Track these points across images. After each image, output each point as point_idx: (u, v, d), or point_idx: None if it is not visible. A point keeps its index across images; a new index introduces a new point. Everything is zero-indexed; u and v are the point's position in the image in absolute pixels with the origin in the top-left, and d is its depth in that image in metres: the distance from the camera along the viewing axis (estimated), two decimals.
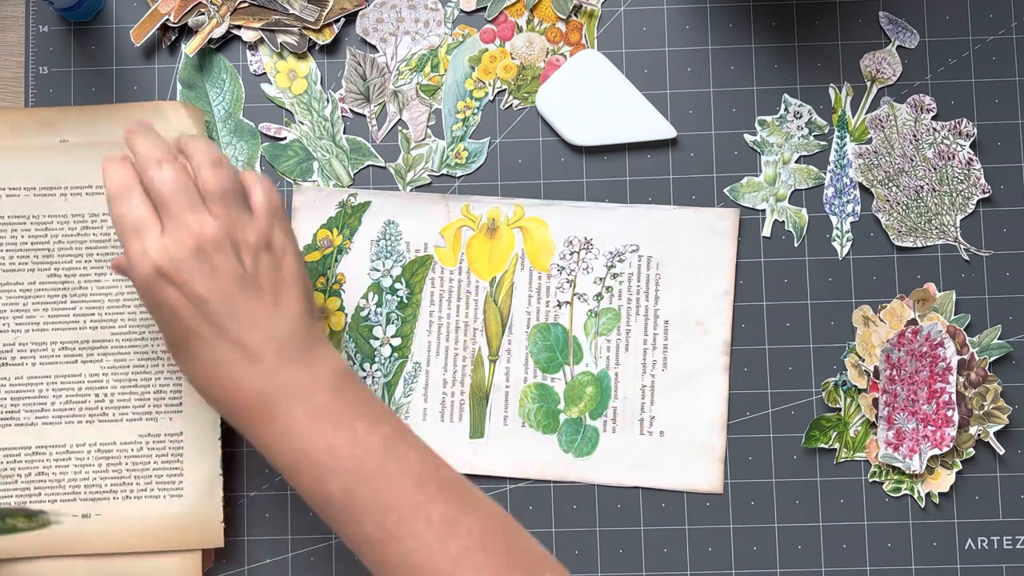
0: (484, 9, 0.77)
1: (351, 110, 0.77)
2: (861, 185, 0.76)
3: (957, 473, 0.74)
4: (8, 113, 0.74)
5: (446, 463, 0.64)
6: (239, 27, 0.77)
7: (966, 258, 0.76)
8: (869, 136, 0.76)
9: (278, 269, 0.64)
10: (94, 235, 0.73)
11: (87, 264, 0.73)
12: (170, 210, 0.62)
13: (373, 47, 0.77)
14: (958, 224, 0.76)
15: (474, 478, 0.75)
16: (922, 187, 0.75)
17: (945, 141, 0.75)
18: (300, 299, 0.64)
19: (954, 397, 0.73)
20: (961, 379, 0.74)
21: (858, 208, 0.76)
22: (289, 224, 0.67)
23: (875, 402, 0.74)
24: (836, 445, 0.75)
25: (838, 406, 0.75)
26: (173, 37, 0.77)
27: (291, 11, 0.76)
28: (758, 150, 0.76)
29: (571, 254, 0.76)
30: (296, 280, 0.65)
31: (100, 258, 0.73)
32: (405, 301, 0.76)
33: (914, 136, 0.76)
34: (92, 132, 0.74)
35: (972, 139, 0.75)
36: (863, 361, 0.74)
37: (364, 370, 0.75)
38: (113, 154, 0.65)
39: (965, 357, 0.74)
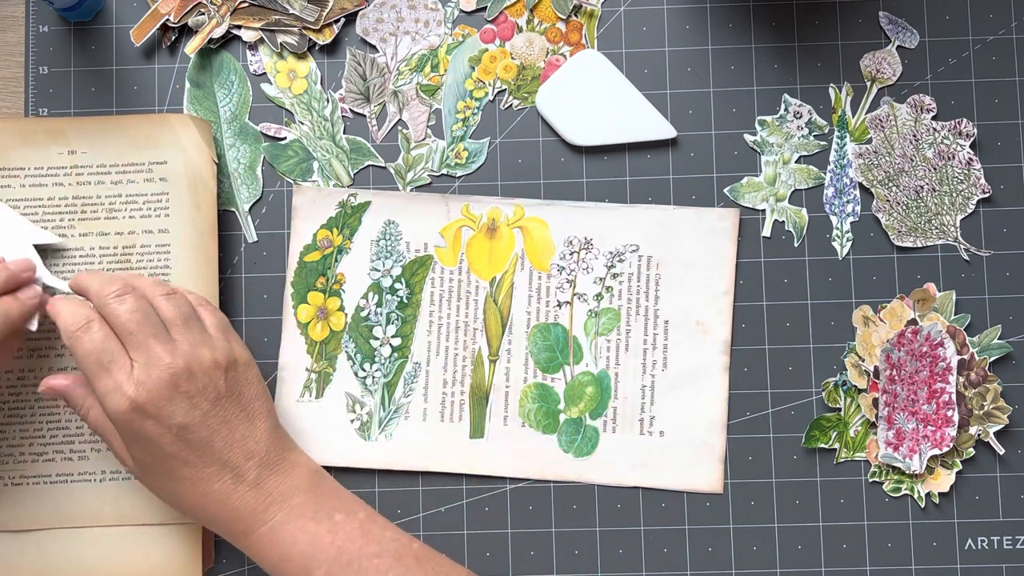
0: (484, 9, 0.77)
1: (351, 110, 0.77)
2: (861, 185, 0.76)
3: (957, 473, 0.74)
4: (18, 122, 0.74)
5: (415, 538, 0.69)
6: (239, 27, 0.77)
7: (966, 258, 0.76)
8: (869, 136, 0.76)
9: (246, 384, 0.68)
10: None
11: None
12: (137, 342, 0.65)
13: (373, 47, 0.77)
14: (958, 224, 0.76)
15: (474, 478, 0.75)
16: (922, 187, 0.75)
17: (945, 141, 0.75)
18: (269, 411, 0.69)
19: (954, 397, 0.73)
20: (961, 379, 0.74)
21: (858, 208, 0.76)
22: (238, 335, 0.70)
23: (875, 402, 0.74)
24: (836, 445, 0.75)
25: (838, 406, 0.75)
26: (173, 37, 0.77)
27: (291, 11, 0.76)
28: (758, 150, 0.76)
29: (571, 254, 0.76)
30: (261, 391, 0.69)
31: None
32: (405, 301, 0.76)
33: (914, 136, 0.76)
34: (100, 144, 0.74)
35: (972, 139, 0.75)
36: (863, 361, 0.74)
37: (364, 370, 0.75)
38: (59, 295, 0.68)
39: (965, 357, 0.74)
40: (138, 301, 0.66)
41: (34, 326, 0.69)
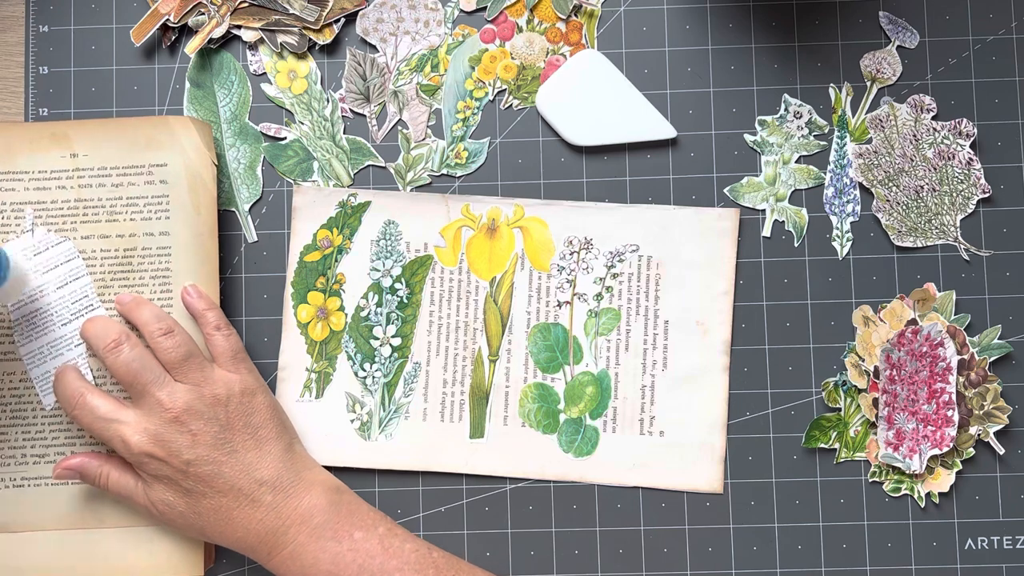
0: (484, 9, 0.77)
1: (351, 110, 0.77)
2: (861, 185, 0.76)
3: (957, 473, 0.74)
4: (24, 126, 0.74)
5: (434, 546, 0.70)
6: (239, 27, 0.77)
7: (966, 258, 0.76)
8: (869, 136, 0.76)
9: (251, 412, 0.70)
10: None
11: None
12: (136, 392, 0.68)
13: (373, 47, 0.77)
14: (958, 224, 0.76)
15: (474, 478, 0.75)
16: (922, 187, 0.75)
17: (945, 141, 0.76)
18: (280, 434, 0.71)
19: (954, 397, 0.73)
20: (961, 379, 0.74)
21: (858, 208, 0.76)
22: (251, 362, 0.72)
23: (875, 402, 0.74)
24: (836, 445, 0.75)
25: (838, 406, 0.75)
26: (173, 37, 0.77)
27: (291, 11, 0.76)
28: (758, 150, 0.76)
29: (571, 254, 0.76)
30: (270, 417, 0.71)
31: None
32: (405, 301, 0.76)
33: (914, 136, 0.76)
34: (102, 146, 0.74)
35: (972, 139, 0.75)
36: (863, 361, 0.74)
37: (364, 370, 0.75)
38: (60, 367, 0.71)
39: (965, 357, 0.74)
40: (133, 350, 0.69)
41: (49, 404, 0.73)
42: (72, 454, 0.72)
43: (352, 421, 0.75)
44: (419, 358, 0.76)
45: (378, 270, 0.76)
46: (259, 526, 0.68)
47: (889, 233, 0.75)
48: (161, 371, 0.69)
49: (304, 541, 0.68)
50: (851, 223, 0.76)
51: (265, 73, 0.77)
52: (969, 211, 0.75)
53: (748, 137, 0.76)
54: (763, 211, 0.76)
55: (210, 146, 0.74)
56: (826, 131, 0.76)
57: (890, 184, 0.75)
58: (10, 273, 0.70)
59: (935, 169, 0.75)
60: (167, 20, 0.76)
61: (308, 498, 0.69)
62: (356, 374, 0.76)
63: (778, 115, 0.77)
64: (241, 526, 0.68)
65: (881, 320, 0.75)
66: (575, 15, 0.77)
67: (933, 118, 0.76)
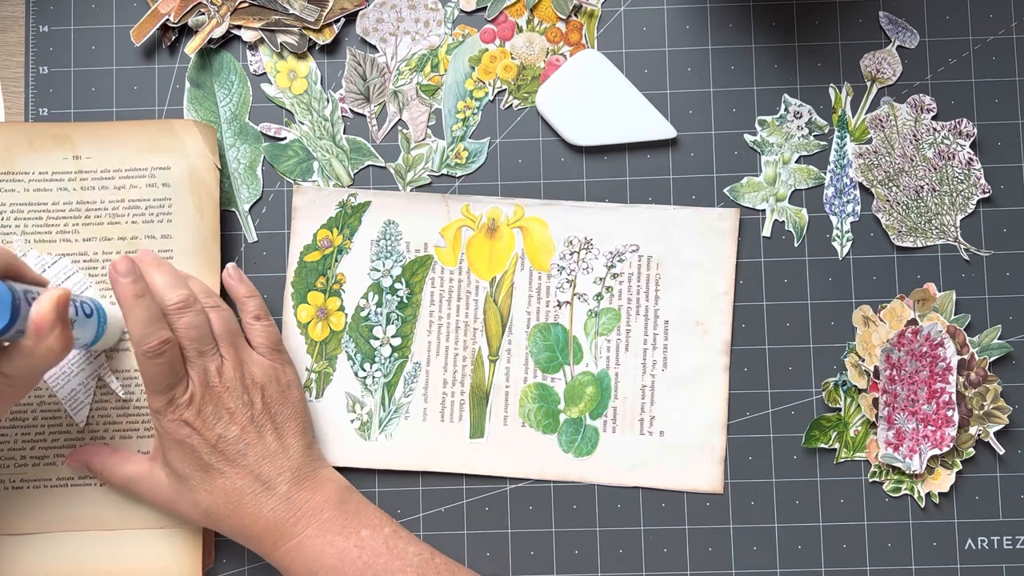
0: (484, 9, 0.77)
1: (351, 110, 0.77)
2: (861, 185, 0.76)
3: (957, 473, 0.74)
4: (25, 126, 0.74)
5: (437, 551, 0.71)
6: (239, 27, 0.77)
7: (966, 258, 0.76)
8: (869, 136, 0.76)
9: (284, 403, 0.71)
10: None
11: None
12: (190, 357, 0.68)
13: (373, 47, 0.77)
14: (958, 224, 0.76)
15: (474, 478, 0.75)
16: (922, 187, 0.75)
17: (945, 141, 0.75)
18: (304, 430, 0.71)
19: (954, 397, 0.73)
20: (961, 379, 0.74)
21: (858, 208, 0.76)
22: (289, 355, 0.73)
23: (875, 402, 0.74)
24: (836, 445, 0.75)
25: (838, 406, 0.75)
26: (173, 37, 0.77)
27: (291, 11, 0.76)
28: (758, 150, 0.76)
29: (571, 254, 0.76)
30: (299, 411, 0.71)
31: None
32: (405, 301, 0.76)
33: (914, 136, 0.76)
34: (105, 149, 0.73)
35: (972, 139, 0.75)
36: (863, 361, 0.74)
37: (364, 370, 0.75)
38: (129, 287, 0.66)
39: (965, 357, 0.74)
40: (196, 316, 0.68)
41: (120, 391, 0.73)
42: (82, 447, 0.72)
43: (352, 421, 0.75)
44: (419, 358, 0.76)
45: (378, 270, 0.76)
46: (270, 515, 0.68)
47: (889, 233, 0.75)
48: (215, 343, 0.69)
49: (312, 534, 0.68)
50: (851, 223, 0.76)
51: (265, 73, 0.77)
52: (969, 211, 0.75)
53: (748, 137, 0.76)
54: (763, 211, 0.76)
55: (214, 149, 0.74)
56: (826, 131, 0.76)
57: (890, 184, 0.76)
58: (108, 322, 0.70)
59: (935, 169, 0.75)
60: (167, 20, 0.76)
61: (321, 492, 0.69)
62: (356, 374, 0.76)
63: (778, 115, 0.77)
64: (249, 514, 0.68)
65: (881, 320, 0.75)
66: (575, 15, 0.77)
67: (933, 118, 0.76)
